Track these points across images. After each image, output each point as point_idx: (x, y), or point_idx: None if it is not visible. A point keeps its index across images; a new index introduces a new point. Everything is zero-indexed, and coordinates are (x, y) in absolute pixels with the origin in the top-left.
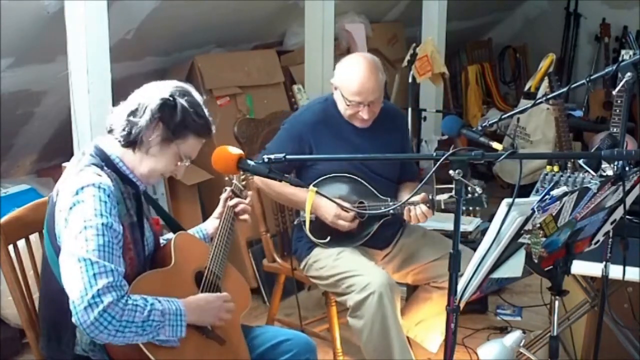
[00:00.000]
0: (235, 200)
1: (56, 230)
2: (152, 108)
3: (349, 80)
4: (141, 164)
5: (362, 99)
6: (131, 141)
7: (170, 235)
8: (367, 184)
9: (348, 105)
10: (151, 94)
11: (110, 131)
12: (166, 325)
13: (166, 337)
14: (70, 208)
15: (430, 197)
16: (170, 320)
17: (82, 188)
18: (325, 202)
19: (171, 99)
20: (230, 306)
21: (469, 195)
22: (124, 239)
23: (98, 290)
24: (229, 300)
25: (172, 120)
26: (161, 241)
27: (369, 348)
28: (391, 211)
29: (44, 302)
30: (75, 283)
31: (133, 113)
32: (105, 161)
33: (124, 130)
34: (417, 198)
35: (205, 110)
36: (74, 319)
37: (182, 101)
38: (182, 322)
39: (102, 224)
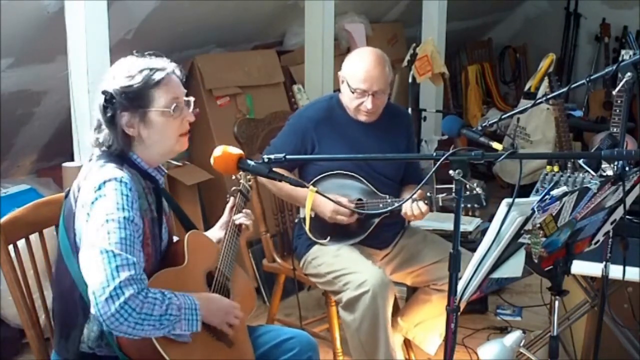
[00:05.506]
0: (240, 215)
1: (76, 225)
2: (100, 117)
3: (356, 68)
4: (151, 151)
5: (367, 87)
6: (121, 147)
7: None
8: (367, 183)
9: (352, 94)
10: (94, 106)
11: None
12: (182, 320)
13: (181, 332)
14: (93, 202)
15: (429, 194)
16: (186, 314)
17: (104, 182)
18: (323, 199)
19: (105, 94)
20: (238, 314)
21: (467, 192)
22: (143, 233)
23: (120, 282)
24: (238, 310)
25: (124, 105)
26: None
27: (355, 342)
28: (389, 209)
29: (56, 300)
30: (97, 274)
31: (97, 130)
32: (123, 159)
33: (108, 147)
34: (414, 196)
35: (132, 61)
36: (93, 310)
37: (113, 85)
38: (198, 317)
39: (124, 217)
